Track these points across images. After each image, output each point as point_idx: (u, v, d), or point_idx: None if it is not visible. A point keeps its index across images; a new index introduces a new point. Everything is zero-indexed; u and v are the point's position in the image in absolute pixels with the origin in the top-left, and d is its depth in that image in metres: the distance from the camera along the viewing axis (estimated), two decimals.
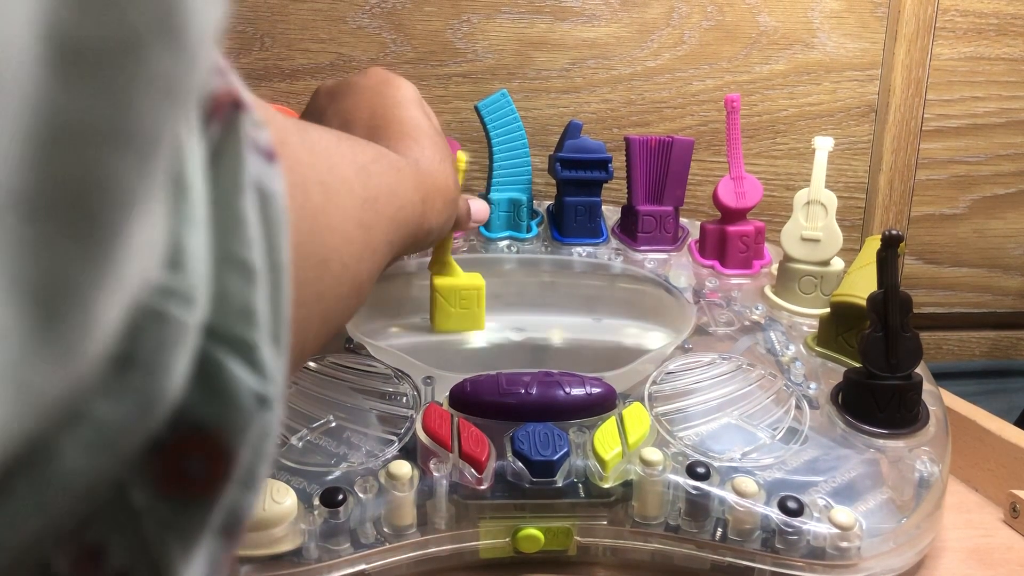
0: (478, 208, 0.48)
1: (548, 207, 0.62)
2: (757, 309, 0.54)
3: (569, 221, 0.59)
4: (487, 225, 0.59)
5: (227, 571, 0.17)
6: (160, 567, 0.14)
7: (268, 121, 0.22)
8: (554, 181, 0.60)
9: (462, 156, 0.48)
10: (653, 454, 0.39)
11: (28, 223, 0.10)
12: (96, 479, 0.13)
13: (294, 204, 0.21)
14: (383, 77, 0.42)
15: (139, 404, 0.13)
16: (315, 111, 0.42)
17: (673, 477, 0.39)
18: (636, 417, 0.41)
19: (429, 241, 0.39)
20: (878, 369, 0.43)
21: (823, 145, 0.54)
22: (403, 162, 0.34)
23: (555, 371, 0.43)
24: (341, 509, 0.36)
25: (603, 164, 0.58)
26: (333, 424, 0.41)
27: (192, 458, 0.14)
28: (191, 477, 0.14)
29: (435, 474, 0.38)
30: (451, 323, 0.50)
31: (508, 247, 0.59)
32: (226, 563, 0.16)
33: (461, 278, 0.50)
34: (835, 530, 0.38)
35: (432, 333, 0.50)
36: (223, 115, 0.15)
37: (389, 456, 0.39)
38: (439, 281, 0.50)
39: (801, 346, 0.50)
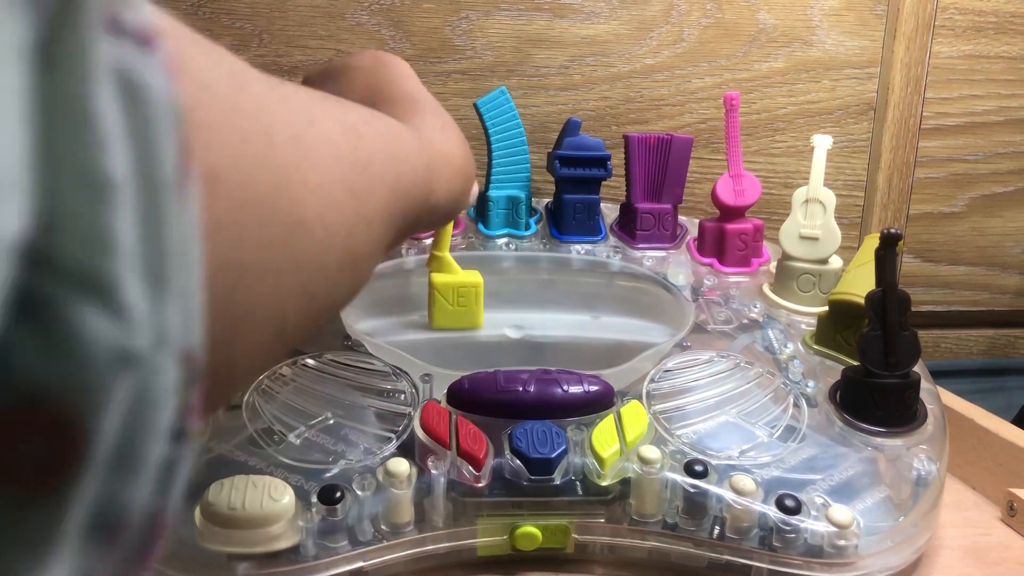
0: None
1: (547, 204, 0.62)
2: (755, 307, 0.54)
3: (568, 219, 0.59)
4: (486, 223, 0.59)
5: None
6: None
7: (219, 59, 0.19)
8: (553, 179, 0.60)
9: None
10: (651, 452, 0.39)
11: None
12: None
13: (253, 151, 0.19)
14: (376, 56, 0.39)
15: None
16: None
17: (671, 475, 0.39)
18: (634, 415, 0.41)
19: (437, 217, 0.35)
20: (876, 367, 0.43)
21: (822, 143, 0.54)
22: (402, 127, 0.31)
23: (553, 369, 0.43)
24: (339, 506, 0.36)
25: (602, 162, 0.58)
26: (331, 421, 0.41)
27: (29, 436, 0.11)
28: (30, 462, 0.11)
29: (433, 472, 0.38)
30: (449, 321, 0.50)
31: (506, 244, 0.59)
32: (111, 571, 0.13)
33: (459, 275, 0.50)
34: (833, 528, 0.38)
35: (430, 331, 0.50)
36: None
37: (387, 453, 0.39)
38: (437, 278, 0.49)
39: (799, 344, 0.50)
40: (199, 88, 0.17)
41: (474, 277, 0.50)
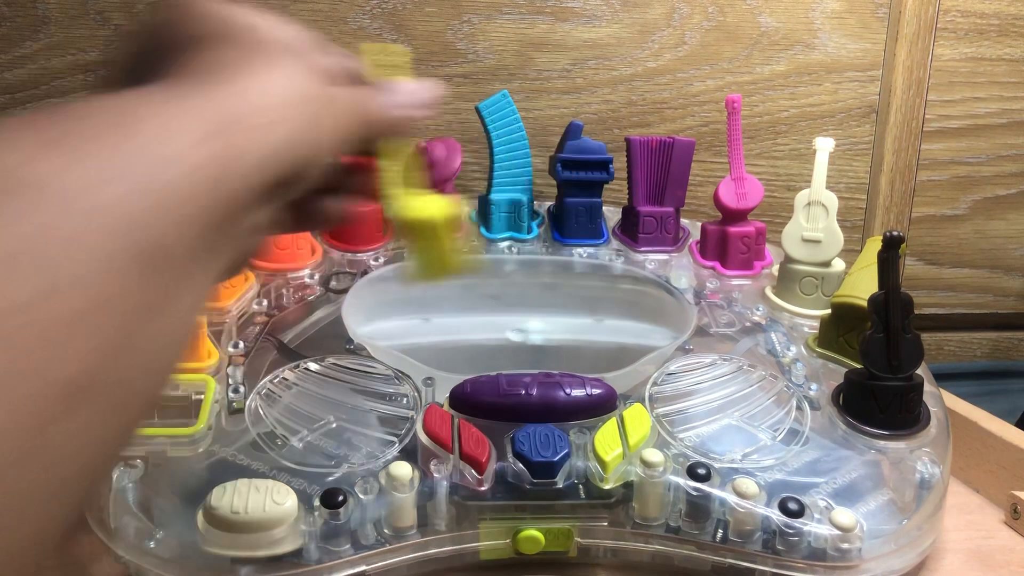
0: (410, 89, 0.33)
1: (549, 208, 0.62)
2: (758, 310, 0.54)
3: (570, 222, 0.59)
4: (487, 226, 0.59)
5: None
6: None
7: None
8: (555, 182, 0.60)
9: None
10: (654, 455, 0.39)
11: None
12: None
13: None
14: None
15: None
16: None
17: (674, 478, 0.39)
18: (637, 418, 0.41)
19: (294, 169, 0.26)
20: (879, 370, 0.43)
21: (824, 146, 0.54)
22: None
23: (555, 372, 0.43)
24: (341, 510, 0.36)
25: (604, 165, 0.58)
26: (334, 425, 0.41)
27: None
28: None
29: (435, 475, 0.38)
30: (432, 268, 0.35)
31: (508, 248, 0.59)
32: None
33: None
34: (836, 531, 0.38)
35: (433, 334, 0.50)
36: None
37: (390, 457, 0.39)
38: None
39: (802, 347, 0.50)
40: None
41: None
